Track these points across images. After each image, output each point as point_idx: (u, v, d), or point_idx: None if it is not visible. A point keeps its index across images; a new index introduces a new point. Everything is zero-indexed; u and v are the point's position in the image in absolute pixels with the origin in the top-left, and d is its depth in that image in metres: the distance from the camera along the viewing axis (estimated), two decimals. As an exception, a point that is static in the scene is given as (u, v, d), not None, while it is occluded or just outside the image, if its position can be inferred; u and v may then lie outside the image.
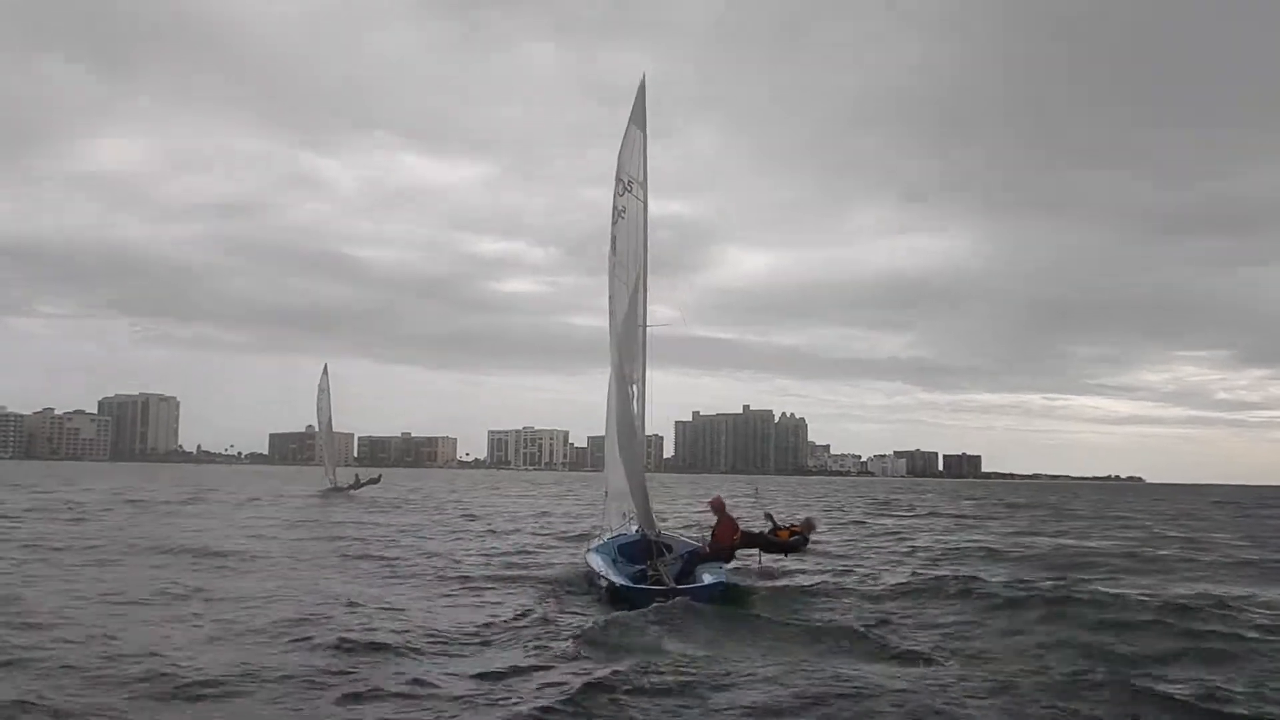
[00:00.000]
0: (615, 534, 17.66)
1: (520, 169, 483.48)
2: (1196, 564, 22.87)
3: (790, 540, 16.62)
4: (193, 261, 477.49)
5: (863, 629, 12.90)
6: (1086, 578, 18.93)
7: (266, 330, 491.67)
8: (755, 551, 17.04)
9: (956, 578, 17.69)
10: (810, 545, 17.72)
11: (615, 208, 16.23)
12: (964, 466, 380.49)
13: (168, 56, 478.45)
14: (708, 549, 16.14)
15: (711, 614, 13.25)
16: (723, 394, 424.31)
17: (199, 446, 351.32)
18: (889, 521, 40.33)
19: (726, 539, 16.17)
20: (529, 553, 22.94)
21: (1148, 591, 16.77)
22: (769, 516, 17.08)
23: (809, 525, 17.42)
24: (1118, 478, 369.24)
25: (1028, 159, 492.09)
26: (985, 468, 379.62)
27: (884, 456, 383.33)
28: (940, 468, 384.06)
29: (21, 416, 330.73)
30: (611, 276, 16.46)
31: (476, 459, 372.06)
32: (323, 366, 61.40)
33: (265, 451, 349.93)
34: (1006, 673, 10.40)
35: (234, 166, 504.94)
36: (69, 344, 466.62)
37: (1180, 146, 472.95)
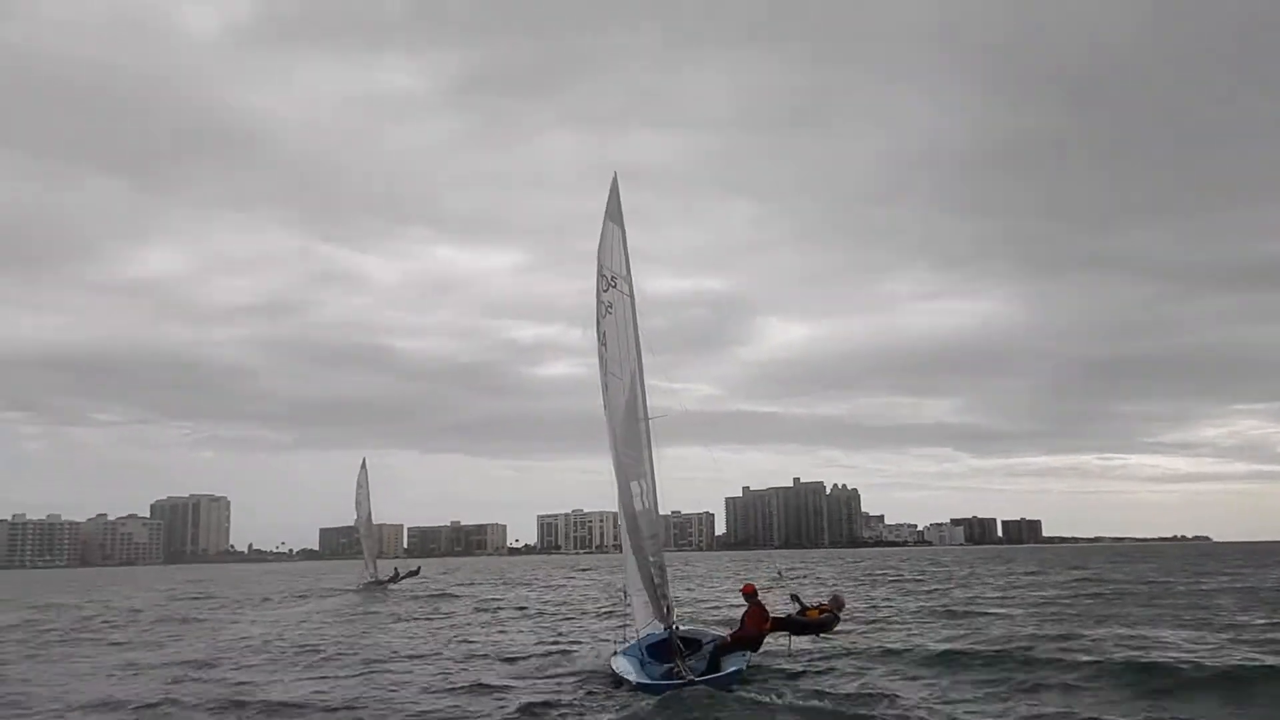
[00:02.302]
0: (643, 634, 17.13)
1: (550, 255, 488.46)
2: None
3: (821, 619, 16.59)
4: (238, 362, 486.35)
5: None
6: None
7: (312, 426, 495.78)
8: (786, 635, 16.95)
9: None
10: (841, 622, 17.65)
11: (601, 303, 16.06)
12: (1024, 532, 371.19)
13: (204, 164, 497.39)
14: (730, 639, 16.01)
15: (726, 701, 13.14)
16: (771, 468, 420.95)
17: (250, 545, 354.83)
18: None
19: (756, 626, 16.02)
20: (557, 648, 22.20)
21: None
22: (795, 597, 17.08)
23: (837, 602, 17.26)
24: (1184, 537, 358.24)
25: (1065, 217, 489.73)
26: (1046, 532, 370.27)
27: (941, 525, 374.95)
28: (999, 534, 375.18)
29: (77, 524, 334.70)
30: (604, 373, 16.19)
31: (527, 545, 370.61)
32: (361, 461, 61.72)
33: (316, 547, 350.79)
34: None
35: (273, 266, 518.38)
36: (123, 450, 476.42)
37: (1228, 199, 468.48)
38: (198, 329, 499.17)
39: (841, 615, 17.33)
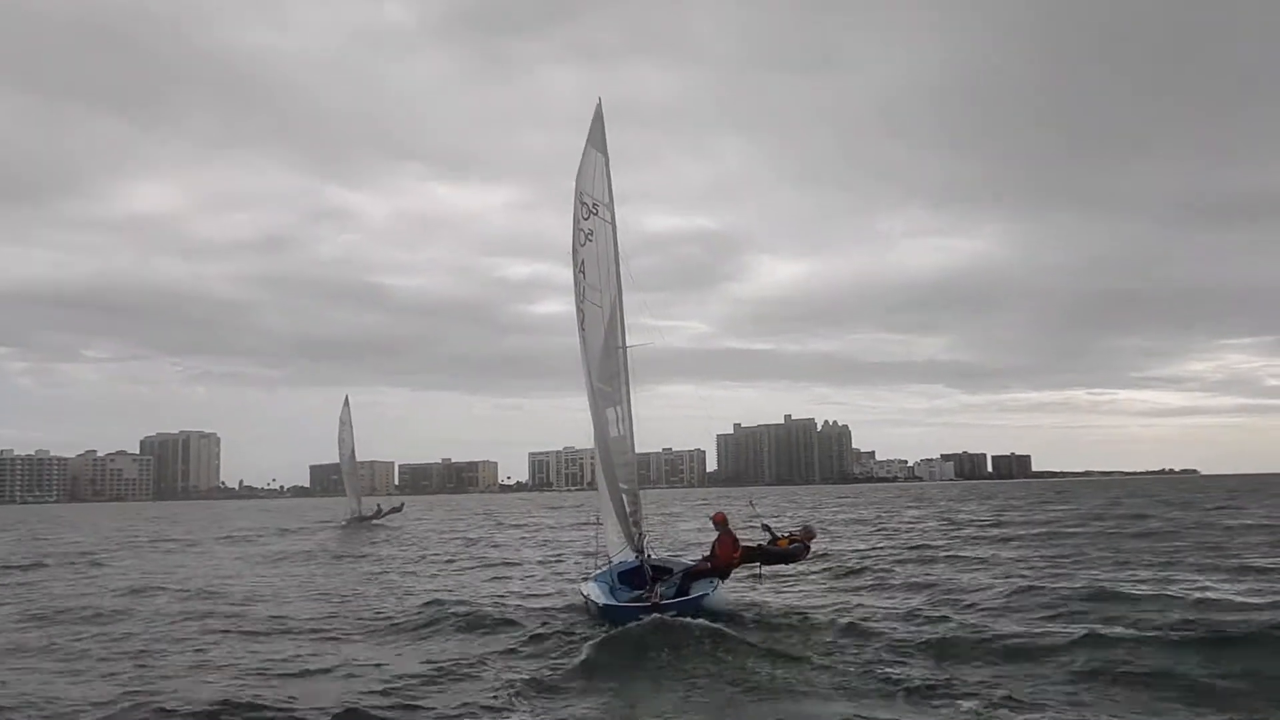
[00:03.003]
0: (615, 562, 17.27)
1: (544, 192, 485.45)
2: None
3: (790, 548, 16.70)
4: (229, 299, 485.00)
5: (838, 656, 12.34)
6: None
7: (304, 362, 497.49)
8: (757, 564, 17.02)
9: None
10: (811, 552, 17.76)
11: (581, 231, 15.59)
12: (1013, 467, 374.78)
13: (197, 99, 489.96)
14: (707, 564, 16.14)
15: (679, 630, 13.02)
16: (763, 405, 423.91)
17: (241, 482, 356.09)
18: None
19: (726, 556, 16.13)
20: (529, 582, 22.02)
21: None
22: (766, 527, 17.21)
23: (808, 533, 17.34)
24: (1172, 470, 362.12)
25: (1056, 156, 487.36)
26: (1035, 467, 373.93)
27: (931, 460, 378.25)
28: (989, 469, 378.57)
29: (65, 460, 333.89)
30: (582, 300, 15.87)
31: (518, 482, 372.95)
32: (343, 398, 61.52)
33: (307, 484, 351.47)
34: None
35: (265, 203, 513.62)
36: (113, 386, 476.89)
37: (1213, 136, 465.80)
38: (190, 265, 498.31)
39: (811, 546, 17.37)
